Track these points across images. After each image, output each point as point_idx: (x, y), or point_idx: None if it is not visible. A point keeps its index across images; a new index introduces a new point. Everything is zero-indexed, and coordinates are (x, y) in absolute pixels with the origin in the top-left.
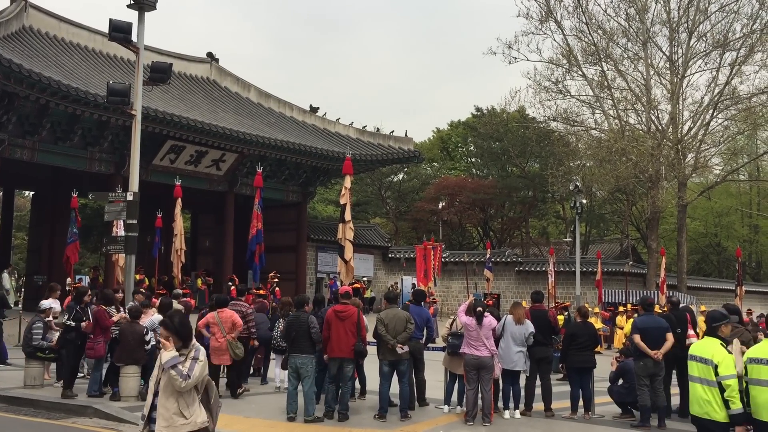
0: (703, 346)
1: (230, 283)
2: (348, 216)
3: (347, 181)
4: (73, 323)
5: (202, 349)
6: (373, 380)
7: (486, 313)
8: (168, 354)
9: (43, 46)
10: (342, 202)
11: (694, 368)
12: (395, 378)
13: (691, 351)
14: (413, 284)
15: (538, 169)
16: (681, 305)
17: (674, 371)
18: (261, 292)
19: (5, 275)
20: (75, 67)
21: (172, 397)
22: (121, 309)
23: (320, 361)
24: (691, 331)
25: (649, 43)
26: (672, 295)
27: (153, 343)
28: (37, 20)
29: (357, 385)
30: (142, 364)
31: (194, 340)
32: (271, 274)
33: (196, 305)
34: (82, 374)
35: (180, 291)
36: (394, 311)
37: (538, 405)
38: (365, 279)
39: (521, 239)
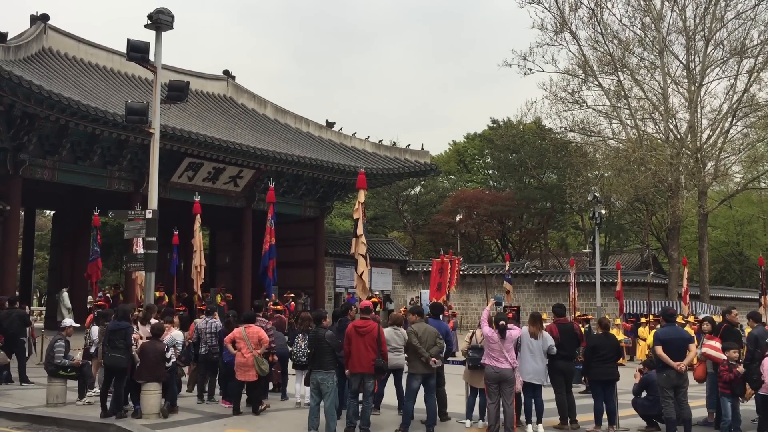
0: None
1: (267, 300)
2: (360, 230)
3: (361, 196)
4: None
5: None
6: (388, 395)
7: (511, 325)
8: None
9: (63, 67)
10: (355, 216)
11: None
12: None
13: None
14: None
15: (556, 180)
16: (704, 316)
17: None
18: (279, 307)
19: (65, 294)
20: (94, 87)
21: None
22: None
23: (341, 376)
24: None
25: (666, 52)
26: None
27: (174, 360)
28: (57, 42)
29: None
30: (163, 381)
31: None
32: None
33: None
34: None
35: (215, 306)
36: (424, 325)
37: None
38: (377, 292)
39: (540, 251)
